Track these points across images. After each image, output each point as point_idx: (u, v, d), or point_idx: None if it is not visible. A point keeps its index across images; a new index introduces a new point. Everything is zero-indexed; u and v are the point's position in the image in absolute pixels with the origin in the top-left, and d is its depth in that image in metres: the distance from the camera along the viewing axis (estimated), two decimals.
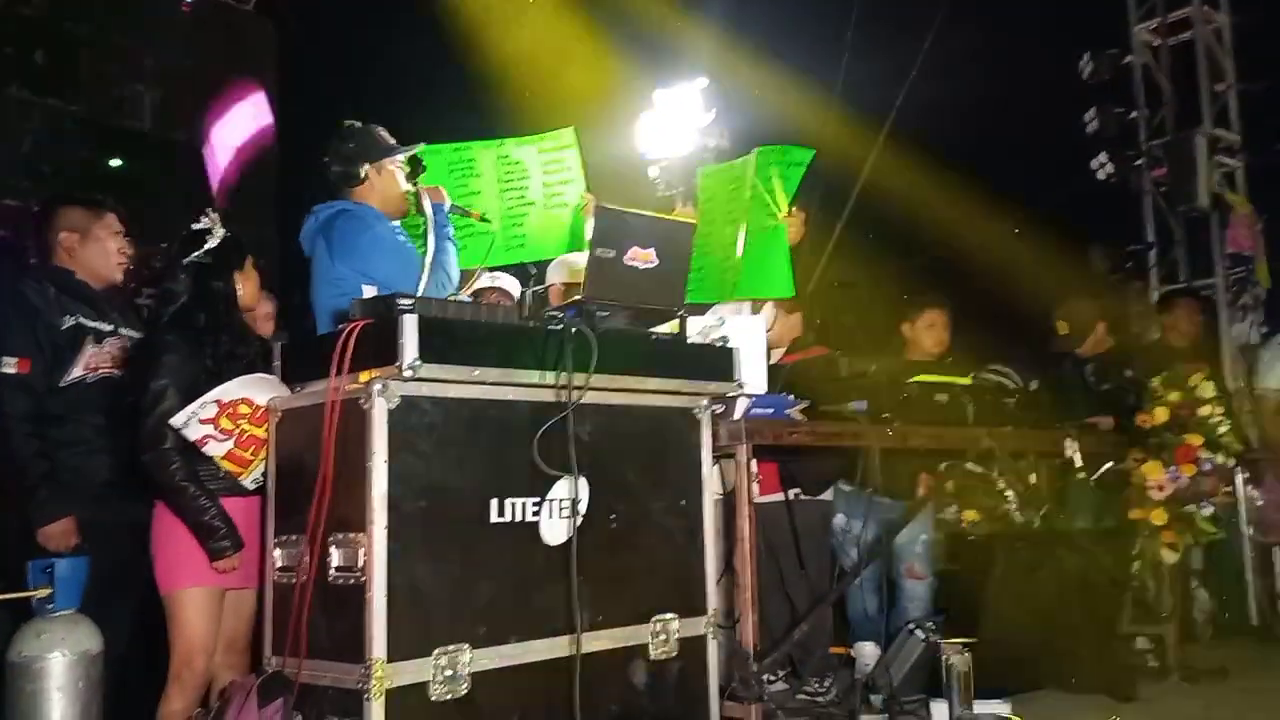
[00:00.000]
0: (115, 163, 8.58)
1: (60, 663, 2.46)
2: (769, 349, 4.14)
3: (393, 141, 3.40)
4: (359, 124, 3.37)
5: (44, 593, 2.55)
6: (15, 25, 7.91)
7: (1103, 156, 8.38)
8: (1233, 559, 5.16)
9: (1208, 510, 4.32)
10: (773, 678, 3.79)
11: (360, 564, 2.34)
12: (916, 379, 3.77)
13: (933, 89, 6.26)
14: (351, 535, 2.37)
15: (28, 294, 3.23)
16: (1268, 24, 7.99)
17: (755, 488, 3.41)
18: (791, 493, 4.05)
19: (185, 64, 8.88)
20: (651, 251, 2.80)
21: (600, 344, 2.59)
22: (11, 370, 3.09)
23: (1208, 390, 4.37)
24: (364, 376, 2.41)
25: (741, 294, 3.78)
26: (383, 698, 2.27)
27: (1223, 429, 4.33)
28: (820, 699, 3.86)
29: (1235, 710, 3.87)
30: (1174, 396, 4.35)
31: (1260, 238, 8.03)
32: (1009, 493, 4.01)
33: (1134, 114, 8.59)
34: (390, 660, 2.29)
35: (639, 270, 2.78)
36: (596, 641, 2.65)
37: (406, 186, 3.40)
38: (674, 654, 2.87)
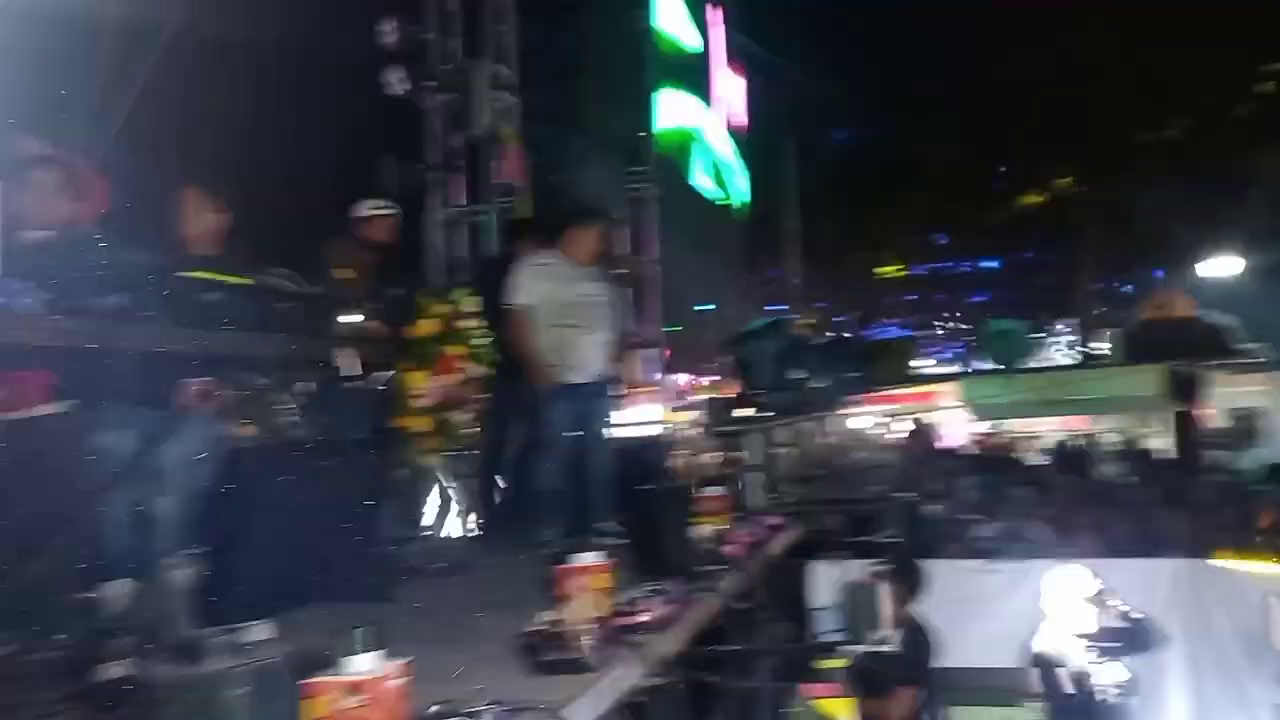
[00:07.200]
0: None
1: None
2: None
3: None
4: None
5: None
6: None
7: (401, 72, 7.95)
8: None
9: (467, 416, 4.72)
10: None
11: None
12: None
13: None
14: None
15: None
16: None
17: None
18: None
19: None
20: None
21: None
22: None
23: (470, 304, 4.83)
24: None
25: None
26: None
27: (480, 340, 4.77)
28: None
29: (470, 592, 4.13)
30: (440, 309, 4.74)
31: (527, 173, 8.48)
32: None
33: (429, 35, 8.33)
34: None
35: None
36: None
37: None
38: None
